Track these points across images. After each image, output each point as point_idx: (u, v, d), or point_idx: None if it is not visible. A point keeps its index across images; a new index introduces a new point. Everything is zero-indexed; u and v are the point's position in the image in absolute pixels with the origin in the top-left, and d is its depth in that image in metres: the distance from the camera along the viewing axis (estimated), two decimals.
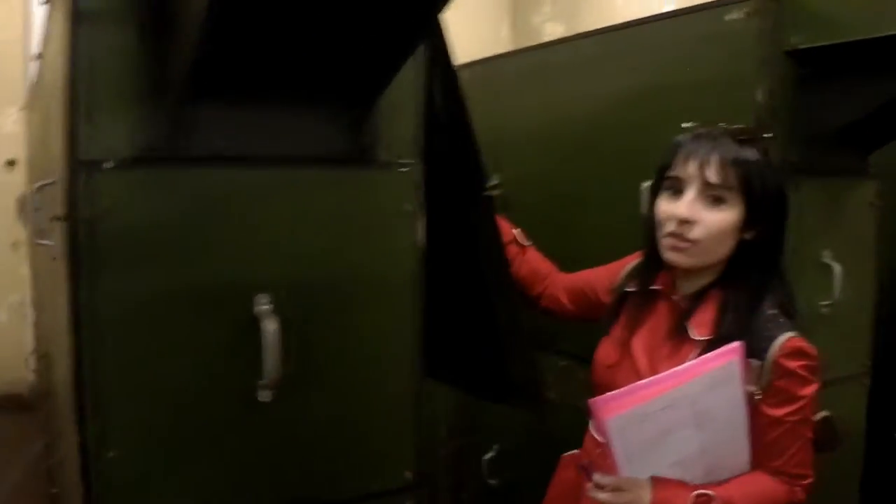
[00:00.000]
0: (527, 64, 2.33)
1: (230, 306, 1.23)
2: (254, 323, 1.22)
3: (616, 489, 1.28)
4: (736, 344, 1.25)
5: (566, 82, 2.16)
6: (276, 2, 1.01)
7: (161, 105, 1.15)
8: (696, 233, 1.29)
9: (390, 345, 1.37)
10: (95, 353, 1.16)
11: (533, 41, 3.55)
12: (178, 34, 1.08)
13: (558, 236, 2.17)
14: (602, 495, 1.29)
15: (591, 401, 1.24)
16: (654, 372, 1.34)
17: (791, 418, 1.28)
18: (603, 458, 1.32)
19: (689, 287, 1.39)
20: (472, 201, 1.44)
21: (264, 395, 1.24)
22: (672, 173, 1.33)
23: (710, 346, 1.29)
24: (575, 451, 1.53)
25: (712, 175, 1.28)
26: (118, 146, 1.14)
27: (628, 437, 1.25)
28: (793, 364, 1.27)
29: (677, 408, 1.24)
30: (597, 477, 1.31)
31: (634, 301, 1.46)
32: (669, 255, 1.34)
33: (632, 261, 1.57)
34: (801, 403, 1.28)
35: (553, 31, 5.12)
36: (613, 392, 1.24)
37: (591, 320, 1.60)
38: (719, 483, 1.29)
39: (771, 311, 1.32)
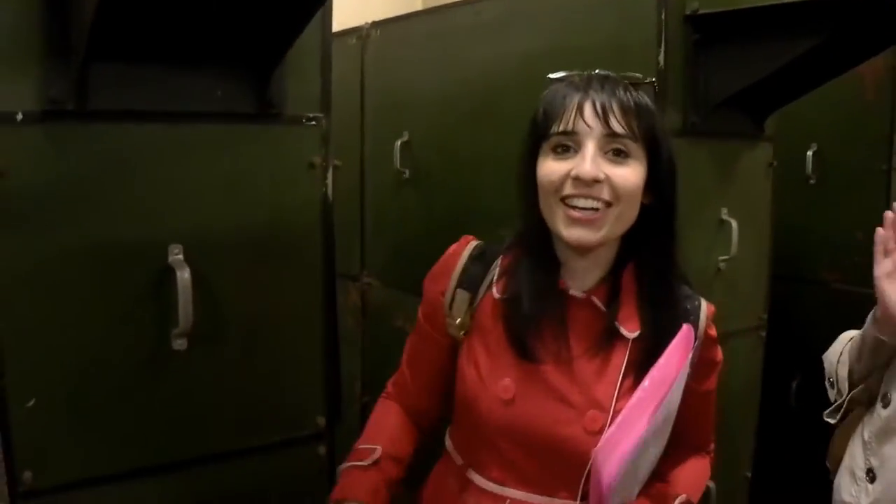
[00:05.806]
0: (433, 25, 2.34)
1: (142, 259, 1.27)
2: (165, 275, 1.26)
3: None
4: (685, 328, 1.06)
5: (469, 44, 2.16)
6: None
7: (68, 62, 1.17)
8: (606, 194, 1.02)
9: (299, 295, 1.42)
10: (9, 306, 1.18)
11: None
12: None
13: (457, 199, 2.21)
14: None
15: (595, 464, 0.99)
16: (588, 391, 1.08)
17: (712, 387, 1.16)
18: None
19: (586, 279, 1.12)
20: None
21: (178, 344, 1.28)
22: (559, 128, 1.04)
23: (642, 341, 1.08)
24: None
25: (616, 123, 1.02)
26: (27, 100, 1.16)
27: (624, 482, 1.01)
28: (714, 331, 1.14)
29: (658, 425, 1.03)
30: None
31: (511, 309, 1.12)
32: (572, 233, 1.04)
33: (450, 267, 1.19)
34: (718, 369, 1.16)
35: None
36: (606, 450, 0.98)
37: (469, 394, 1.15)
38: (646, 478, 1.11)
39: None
